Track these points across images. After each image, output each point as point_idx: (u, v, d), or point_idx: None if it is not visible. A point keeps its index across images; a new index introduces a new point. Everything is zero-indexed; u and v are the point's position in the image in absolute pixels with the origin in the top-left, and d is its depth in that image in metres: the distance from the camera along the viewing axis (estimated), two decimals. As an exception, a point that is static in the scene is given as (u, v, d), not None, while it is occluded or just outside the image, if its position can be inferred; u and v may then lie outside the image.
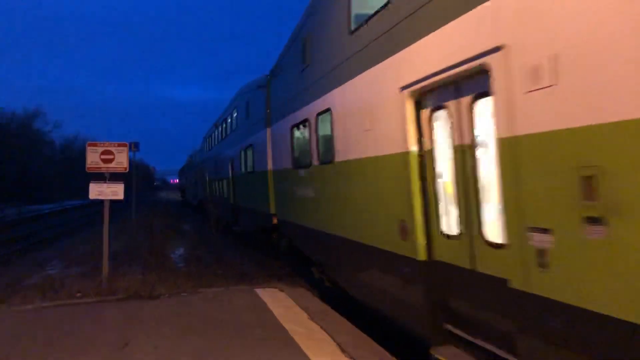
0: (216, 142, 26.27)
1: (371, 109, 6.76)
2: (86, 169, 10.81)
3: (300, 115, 10.23)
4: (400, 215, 6.02)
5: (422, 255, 5.70)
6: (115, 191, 10.62)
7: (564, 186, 3.58)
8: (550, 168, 3.72)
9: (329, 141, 8.55)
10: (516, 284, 4.13)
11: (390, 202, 6.31)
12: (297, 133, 10.80)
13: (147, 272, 11.09)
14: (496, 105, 4.28)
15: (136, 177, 25.34)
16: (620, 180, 3.17)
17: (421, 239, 5.71)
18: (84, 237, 21.92)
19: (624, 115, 3.10)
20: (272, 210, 13.06)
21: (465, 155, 5.06)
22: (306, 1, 10.15)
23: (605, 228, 3.28)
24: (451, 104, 5.22)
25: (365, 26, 6.94)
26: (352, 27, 7.43)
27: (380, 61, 6.42)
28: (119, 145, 10.94)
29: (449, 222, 5.45)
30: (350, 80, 7.46)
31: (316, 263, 10.08)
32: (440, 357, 5.25)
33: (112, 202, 10.94)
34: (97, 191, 10.57)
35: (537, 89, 3.78)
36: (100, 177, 10.72)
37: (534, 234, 3.90)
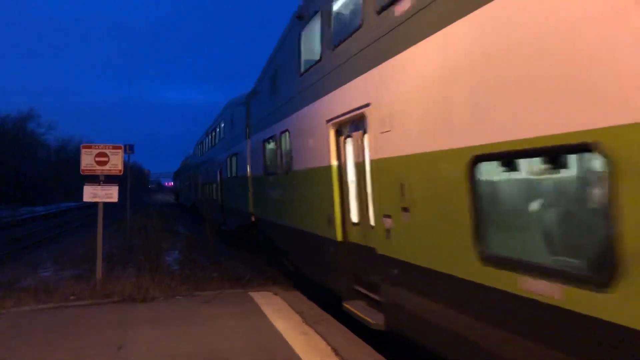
0: (207, 149, 28.92)
1: (311, 133, 9.08)
2: (80, 171, 10.78)
3: (270, 131, 12.48)
4: (328, 210, 8.23)
5: (339, 238, 7.98)
6: (109, 194, 10.60)
7: (395, 190, 5.87)
8: (390, 179, 6.02)
9: (288, 154, 10.81)
10: (379, 250, 6.42)
11: (323, 202, 8.49)
12: (268, 146, 12.93)
13: (142, 275, 11.04)
14: (369, 138, 6.61)
15: (131, 179, 25.37)
16: (413, 187, 5.54)
17: (339, 227, 7.97)
18: (78, 239, 21.84)
19: (412, 151, 5.50)
20: (251, 209, 15.11)
21: (360, 169, 7.22)
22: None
23: (409, 214, 5.61)
24: (354, 134, 7.41)
25: (307, 72, 9.39)
26: (302, 70, 9.76)
27: (316, 99, 8.71)
28: (114, 148, 10.92)
29: (354, 214, 7.61)
30: (299, 110, 9.81)
31: (282, 250, 11.98)
32: (349, 307, 7.37)
33: (107, 204, 10.92)
34: (92, 193, 10.55)
35: (384, 132, 6.10)
36: (94, 179, 10.70)
37: (385, 219, 6.17)
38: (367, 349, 6.49)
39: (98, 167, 10.72)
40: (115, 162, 10.84)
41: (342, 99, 7.45)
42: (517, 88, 3.97)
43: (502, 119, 4.14)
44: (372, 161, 6.51)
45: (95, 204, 10.89)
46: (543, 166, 3.85)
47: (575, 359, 3.49)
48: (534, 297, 3.77)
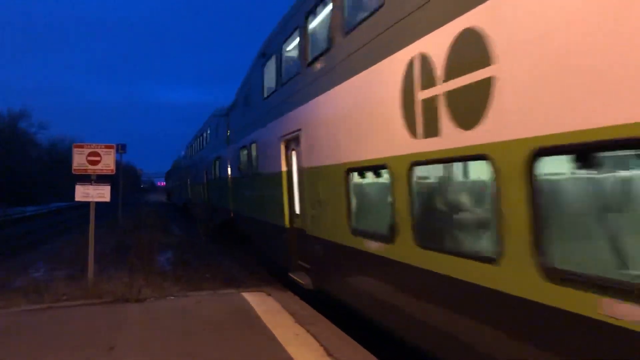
0: (195, 152, 32.06)
1: (270, 146, 11.61)
2: (72, 171, 10.73)
3: (243, 141, 15.24)
4: (281, 205, 10.69)
5: (287, 225, 10.50)
6: (101, 193, 10.55)
7: (314, 189, 8.67)
8: (311, 181, 8.82)
9: (255, 160, 13.62)
10: (307, 232, 9.05)
11: (278, 198, 10.90)
12: (242, 152, 15.52)
13: (134, 275, 11.00)
14: (301, 153, 9.26)
15: (123, 179, 25.32)
16: (321, 188, 8.29)
17: (287, 216, 10.52)
18: (69, 239, 21.70)
19: (321, 163, 8.13)
20: (231, 207, 17.72)
21: (299, 174, 9.68)
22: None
23: (320, 205, 8.32)
24: (295, 149, 9.82)
25: (268, 98, 11.97)
26: (265, 95, 12.38)
27: (274, 120, 11.22)
28: (106, 147, 10.87)
29: (297, 207, 9.92)
30: (263, 127, 12.38)
31: (251, 238, 14.75)
32: (292, 276, 9.95)
33: (99, 204, 10.86)
34: (83, 193, 10.49)
35: (308, 149, 8.88)
36: (86, 178, 10.65)
37: (310, 209, 8.93)
38: (360, 349, 6.49)
39: (90, 167, 10.67)
40: (108, 162, 10.79)
41: (288, 122, 10.06)
42: (363, 130, 6.63)
43: (361, 146, 6.72)
44: (303, 168, 9.29)
45: (87, 204, 10.84)
46: (372, 175, 6.65)
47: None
48: (372, 252, 6.43)
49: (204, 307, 8.83)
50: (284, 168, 10.58)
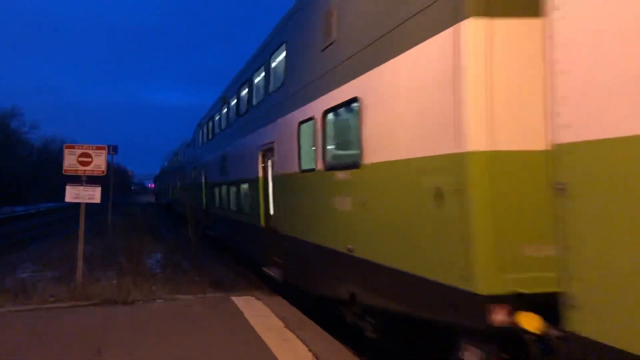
0: (179, 161, 36.91)
1: (248, 155, 12.83)
2: (63, 172, 10.67)
3: (220, 152, 17.44)
4: (257, 207, 11.87)
5: (263, 224, 11.54)
6: (91, 194, 10.50)
7: (280, 192, 10.15)
8: (279, 186, 10.19)
9: (229, 167, 15.66)
10: (278, 230, 10.15)
11: (254, 201, 12.28)
12: (218, 162, 17.54)
13: (122, 277, 10.93)
14: (275, 162, 10.50)
15: (114, 180, 25.22)
16: (283, 191, 10.04)
17: (262, 217, 11.56)
18: (58, 240, 21.53)
19: (283, 171, 9.78)
20: (204, 206, 20.79)
21: (274, 180, 10.77)
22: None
23: (284, 206, 10.04)
24: (270, 158, 11.01)
25: (244, 115, 13.85)
26: (241, 112, 14.44)
27: (252, 132, 12.55)
28: (97, 148, 10.83)
29: (272, 209, 10.91)
30: (240, 139, 14.10)
31: (222, 236, 17.09)
32: (266, 270, 11.22)
33: (89, 205, 10.81)
34: (74, 194, 10.44)
35: (278, 159, 10.19)
36: (77, 179, 10.60)
37: (279, 210, 10.25)
38: (349, 355, 6.50)
39: (81, 168, 10.62)
40: (99, 163, 10.75)
41: (265, 135, 11.31)
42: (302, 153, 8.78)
43: (292, 162, 9.12)
44: (274, 176, 10.68)
45: (78, 205, 10.78)
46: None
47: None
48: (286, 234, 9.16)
49: (192, 310, 8.79)
50: (260, 174, 11.80)
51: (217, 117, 18.63)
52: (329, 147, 7.71)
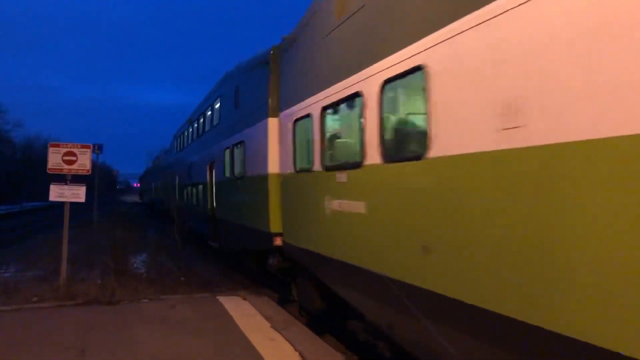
0: (159, 164, 43.08)
1: (202, 165, 16.98)
2: (47, 170, 10.56)
3: (185, 162, 22.29)
4: (208, 201, 15.52)
5: (210, 213, 15.22)
6: (76, 193, 10.40)
7: (217, 191, 14.72)
8: (217, 187, 14.83)
9: (192, 173, 19.82)
10: (216, 216, 14.62)
11: (207, 197, 15.67)
12: (187, 170, 21.33)
13: (107, 277, 10.84)
14: (212, 171, 15.21)
15: (99, 179, 25.04)
16: (218, 189, 14.64)
17: (210, 208, 15.20)
18: (42, 239, 21.29)
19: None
20: (177, 202, 24.21)
21: (218, 183, 14.51)
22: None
23: (218, 198, 14.60)
24: (213, 169, 14.95)
25: (205, 133, 17.39)
26: (198, 134, 19.32)
27: (204, 150, 16.95)
28: (82, 147, 10.73)
29: (215, 203, 14.78)
30: (198, 153, 18.63)
31: (183, 220, 20.01)
32: (210, 242, 15.62)
33: (73, 204, 10.71)
34: (58, 193, 10.33)
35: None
36: (61, 178, 10.49)
37: (217, 202, 14.75)
38: (335, 354, 6.51)
39: (66, 167, 10.52)
40: (84, 162, 10.66)
41: (208, 152, 15.89)
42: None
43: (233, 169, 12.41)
44: (215, 181, 14.76)
45: (62, 204, 10.68)
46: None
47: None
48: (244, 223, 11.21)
49: (178, 310, 8.74)
50: (209, 179, 15.64)
51: (185, 134, 24.20)
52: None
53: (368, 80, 5.58)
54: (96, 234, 19.85)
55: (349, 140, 6.71)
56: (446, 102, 4.24)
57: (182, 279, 11.55)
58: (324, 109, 6.85)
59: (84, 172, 10.72)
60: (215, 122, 15.45)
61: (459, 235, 4.08)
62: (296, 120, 8.07)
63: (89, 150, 10.81)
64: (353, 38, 6.08)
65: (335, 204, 6.39)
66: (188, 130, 22.67)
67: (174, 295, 9.93)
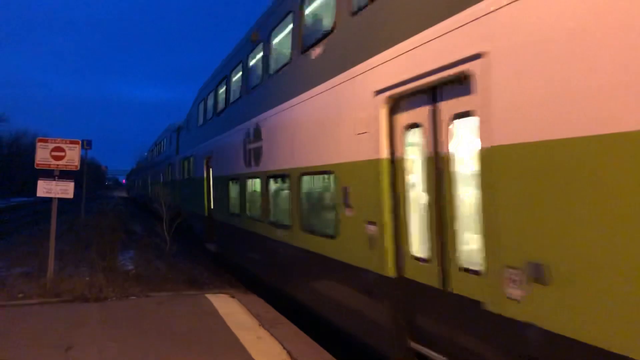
0: (142, 165, 50.65)
1: (195, 163, 18.50)
2: (35, 165, 10.46)
3: (155, 168, 31.36)
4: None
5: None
6: (64, 189, 10.33)
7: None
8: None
9: (187, 170, 20.55)
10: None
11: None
12: (160, 173, 26.72)
13: (94, 274, 10.77)
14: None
15: (87, 175, 24.87)
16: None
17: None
18: (28, 235, 21.10)
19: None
20: (150, 196, 27.70)
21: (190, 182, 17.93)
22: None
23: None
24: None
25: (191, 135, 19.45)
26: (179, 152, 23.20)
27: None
28: (71, 143, 10.65)
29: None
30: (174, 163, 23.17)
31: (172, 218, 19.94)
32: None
33: (61, 200, 10.63)
34: (46, 189, 10.25)
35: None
36: (49, 174, 10.41)
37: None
38: (323, 353, 6.52)
39: (54, 162, 10.43)
40: (72, 158, 10.57)
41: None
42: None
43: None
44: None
45: (49, 200, 10.58)
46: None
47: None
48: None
49: (165, 308, 8.71)
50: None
51: (158, 147, 28.01)
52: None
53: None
54: (84, 230, 19.68)
55: None
56: None
57: (170, 275, 11.50)
58: None
59: (73, 168, 10.63)
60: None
61: None
62: None
63: (77, 145, 10.73)
64: None
65: None
66: (157, 148, 27.16)
67: (162, 293, 9.89)
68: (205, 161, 15.53)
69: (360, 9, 5.96)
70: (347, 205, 5.99)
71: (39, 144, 10.49)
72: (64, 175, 10.56)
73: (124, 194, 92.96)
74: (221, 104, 14.12)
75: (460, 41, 4.21)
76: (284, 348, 6.59)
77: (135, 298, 9.46)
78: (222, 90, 14.10)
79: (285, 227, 8.37)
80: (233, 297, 9.55)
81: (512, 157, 3.69)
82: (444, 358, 4.54)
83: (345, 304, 6.28)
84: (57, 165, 10.45)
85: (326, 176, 7.03)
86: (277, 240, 8.70)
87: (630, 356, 2.87)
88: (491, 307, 3.89)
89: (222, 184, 13.37)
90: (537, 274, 3.45)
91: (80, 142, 10.99)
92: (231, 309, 8.62)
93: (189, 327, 7.52)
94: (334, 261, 6.39)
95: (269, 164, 9.21)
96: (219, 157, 13.85)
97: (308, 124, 7.39)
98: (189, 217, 18.13)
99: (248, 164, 10.68)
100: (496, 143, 3.82)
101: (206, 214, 15.49)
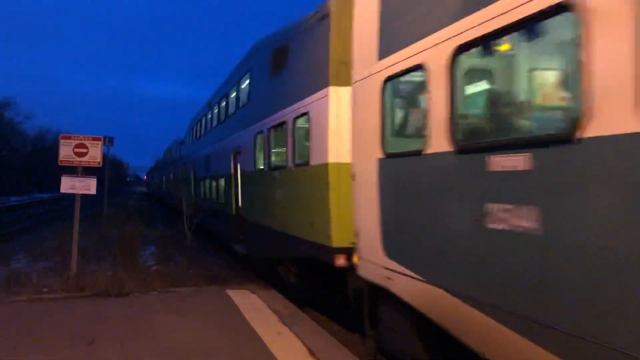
0: (159, 164, 53.79)
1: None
2: (58, 162, 10.62)
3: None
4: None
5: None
6: (87, 185, 10.45)
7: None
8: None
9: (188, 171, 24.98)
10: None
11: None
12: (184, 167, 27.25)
13: (116, 269, 10.90)
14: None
15: (109, 172, 25.18)
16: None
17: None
18: (52, 231, 21.45)
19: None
20: (190, 197, 26.05)
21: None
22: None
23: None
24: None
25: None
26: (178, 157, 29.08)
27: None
28: (93, 139, 10.77)
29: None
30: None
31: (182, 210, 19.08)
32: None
33: (83, 196, 10.76)
34: (69, 185, 10.38)
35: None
36: (72, 170, 10.54)
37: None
38: (343, 349, 6.50)
39: (76, 159, 10.56)
40: (94, 154, 10.69)
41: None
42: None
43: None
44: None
45: (72, 196, 10.73)
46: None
47: None
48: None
49: (186, 303, 8.77)
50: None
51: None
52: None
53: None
54: (106, 226, 19.93)
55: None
56: None
57: (191, 271, 11.58)
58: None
59: (95, 165, 10.75)
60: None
61: None
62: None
63: (100, 142, 10.84)
64: None
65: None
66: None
67: (183, 288, 9.97)
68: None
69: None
70: None
71: (62, 141, 10.63)
72: (87, 171, 10.69)
73: (144, 189, 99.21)
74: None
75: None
76: (304, 344, 6.58)
77: (157, 293, 9.55)
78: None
79: None
80: (253, 292, 9.58)
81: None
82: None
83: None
84: (80, 162, 10.58)
85: None
86: None
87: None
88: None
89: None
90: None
91: (102, 138, 11.11)
92: (251, 305, 8.64)
93: (209, 322, 7.56)
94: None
95: None
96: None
97: None
98: (209, 214, 17.16)
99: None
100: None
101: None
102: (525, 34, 3.71)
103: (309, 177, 7.99)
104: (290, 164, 8.91)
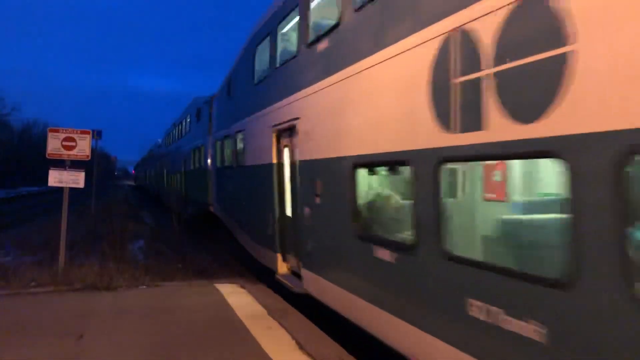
0: (146, 160, 60.13)
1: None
2: (46, 155, 10.53)
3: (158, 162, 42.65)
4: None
5: (277, 216, 12.79)
6: (75, 179, 10.39)
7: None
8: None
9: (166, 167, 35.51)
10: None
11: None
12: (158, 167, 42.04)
13: (105, 263, 10.86)
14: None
15: (97, 165, 25.07)
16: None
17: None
18: (39, 225, 21.31)
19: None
20: (148, 182, 52.11)
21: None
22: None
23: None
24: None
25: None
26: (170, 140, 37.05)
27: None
28: (82, 133, 10.70)
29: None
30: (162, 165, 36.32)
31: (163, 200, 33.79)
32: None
33: (72, 189, 10.70)
34: (57, 178, 10.32)
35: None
36: (60, 163, 10.47)
37: (170, 195, 28.03)
38: (332, 343, 6.54)
39: (65, 152, 10.49)
40: (83, 147, 10.63)
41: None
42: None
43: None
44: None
45: (59, 189, 10.66)
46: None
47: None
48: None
49: (175, 297, 8.77)
50: (182, 170, 22.88)
51: (178, 129, 30.09)
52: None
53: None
54: (94, 220, 19.83)
55: None
56: None
57: (180, 265, 11.57)
58: None
59: (83, 158, 10.69)
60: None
61: None
62: None
63: (88, 136, 10.77)
64: None
65: None
66: (172, 133, 32.43)
67: (172, 282, 9.96)
68: (182, 161, 17.01)
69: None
70: None
71: (50, 134, 10.54)
72: (75, 165, 10.62)
73: (132, 183, 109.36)
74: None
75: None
76: (293, 338, 6.62)
77: (146, 287, 9.53)
78: None
79: None
80: (242, 287, 9.59)
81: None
82: None
83: None
84: (69, 155, 10.51)
85: None
86: None
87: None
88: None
89: (189, 176, 20.43)
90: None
91: (90, 132, 11.04)
92: (241, 299, 8.66)
93: (199, 316, 7.57)
94: None
95: None
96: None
97: None
98: (170, 196, 22.79)
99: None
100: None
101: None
102: None
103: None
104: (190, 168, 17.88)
